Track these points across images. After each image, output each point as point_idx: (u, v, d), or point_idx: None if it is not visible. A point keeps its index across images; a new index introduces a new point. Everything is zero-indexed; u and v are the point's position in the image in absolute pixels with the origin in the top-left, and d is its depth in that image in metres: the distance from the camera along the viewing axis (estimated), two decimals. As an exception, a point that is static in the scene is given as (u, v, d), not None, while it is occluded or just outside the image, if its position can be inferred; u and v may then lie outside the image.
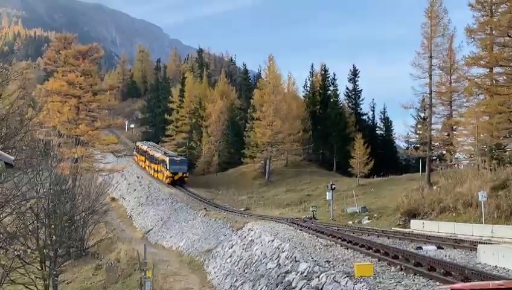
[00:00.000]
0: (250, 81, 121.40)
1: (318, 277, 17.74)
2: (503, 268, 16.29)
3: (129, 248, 44.24)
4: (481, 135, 45.91)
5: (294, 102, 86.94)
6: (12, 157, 11.37)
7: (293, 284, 19.64)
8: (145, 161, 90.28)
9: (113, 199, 74.55)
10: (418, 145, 62.77)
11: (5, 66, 23.29)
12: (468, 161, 53.85)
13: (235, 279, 29.17)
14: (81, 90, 70.24)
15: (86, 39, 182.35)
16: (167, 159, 78.01)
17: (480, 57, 45.83)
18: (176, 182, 77.13)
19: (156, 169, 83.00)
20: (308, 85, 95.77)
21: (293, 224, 37.85)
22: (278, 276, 22.31)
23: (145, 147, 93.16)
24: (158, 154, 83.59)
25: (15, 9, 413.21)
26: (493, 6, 45.97)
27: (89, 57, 75.44)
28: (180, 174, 76.94)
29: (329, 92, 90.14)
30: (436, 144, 59.07)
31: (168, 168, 76.92)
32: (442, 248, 22.41)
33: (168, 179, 77.03)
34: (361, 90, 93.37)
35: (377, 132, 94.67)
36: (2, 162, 10.67)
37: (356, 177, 66.54)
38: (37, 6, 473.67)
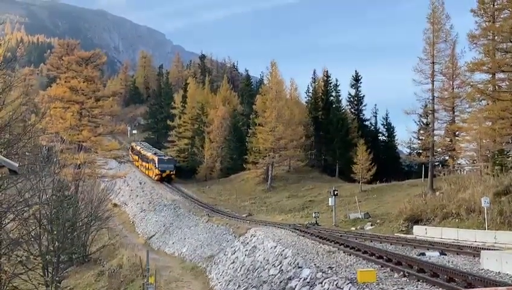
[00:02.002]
0: (252, 87, 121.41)
1: (321, 283, 17.73)
2: (507, 274, 16.24)
3: (131, 254, 44.28)
4: (484, 141, 45.82)
5: (297, 108, 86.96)
6: (17, 164, 11.39)
7: (296, 291, 19.62)
8: (138, 160, 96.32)
9: (115, 205, 74.54)
10: (421, 151, 62.61)
11: (8, 72, 23.40)
12: (470, 167, 53.72)
13: (237, 285, 29.15)
14: (83, 97, 70.36)
15: (88, 45, 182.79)
16: (156, 158, 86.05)
17: (482, 63, 45.83)
18: (164, 179, 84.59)
19: (146, 167, 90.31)
20: (311, 91, 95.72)
21: (295, 230, 37.85)
22: (280, 282, 22.30)
23: (138, 147, 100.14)
24: (149, 154, 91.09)
25: (18, 16, 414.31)
26: (495, 12, 46.00)
27: (91, 63, 75.62)
28: (167, 172, 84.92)
29: (332, 97, 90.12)
30: (438, 149, 58.96)
31: (157, 166, 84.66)
32: (445, 254, 22.37)
33: (156, 177, 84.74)
34: (364, 96, 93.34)
35: (379, 137, 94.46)
36: (6, 169, 10.70)
37: (359, 183, 66.42)
38: (40, 13, 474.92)
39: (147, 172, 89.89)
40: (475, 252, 21.57)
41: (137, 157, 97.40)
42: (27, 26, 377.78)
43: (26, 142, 23.27)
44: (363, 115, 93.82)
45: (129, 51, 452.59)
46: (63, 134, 64.16)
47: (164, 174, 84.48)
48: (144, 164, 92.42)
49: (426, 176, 58.26)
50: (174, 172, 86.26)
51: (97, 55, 78.85)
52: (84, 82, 70.46)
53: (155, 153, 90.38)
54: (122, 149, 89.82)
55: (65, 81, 72.25)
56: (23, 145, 22.89)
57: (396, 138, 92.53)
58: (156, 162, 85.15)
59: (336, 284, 16.55)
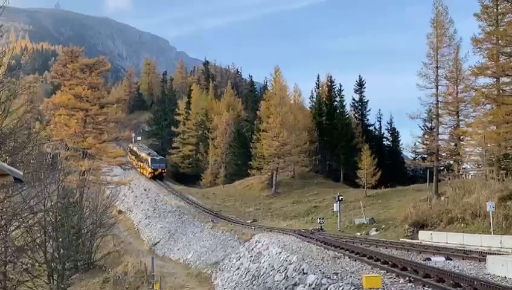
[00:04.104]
0: (256, 92, 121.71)
1: (326, 289, 17.67)
2: (513, 279, 16.16)
3: (136, 261, 44.18)
4: (488, 145, 45.70)
5: (301, 113, 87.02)
6: (21, 172, 11.41)
7: (301, 297, 19.56)
8: (135, 160, 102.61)
9: (120, 212, 74.50)
10: (425, 156, 62.44)
11: (13, 80, 23.41)
12: (475, 171, 53.57)
13: (242, 291, 29.09)
14: (88, 104, 70.40)
15: (92, 52, 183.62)
16: (149, 158, 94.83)
17: (486, 67, 45.77)
18: (156, 177, 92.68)
19: (141, 166, 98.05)
20: (315, 96, 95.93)
21: (300, 236, 37.73)
22: (285, 288, 22.26)
23: (135, 148, 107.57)
24: (143, 154, 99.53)
25: (22, 24, 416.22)
26: (499, 16, 45.88)
27: (95, 70, 75.64)
28: (159, 170, 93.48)
29: (336, 102, 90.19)
30: (443, 154, 58.74)
31: (149, 165, 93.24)
32: (451, 259, 22.27)
33: (150, 174, 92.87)
34: (368, 100, 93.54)
35: (383, 142, 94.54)
36: (11, 177, 10.71)
37: (363, 188, 66.33)
38: (44, 20, 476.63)
39: (141, 171, 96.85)
40: (481, 257, 21.46)
41: (134, 157, 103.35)
42: (31, 34, 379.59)
43: (31, 149, 23.30)
44: (367, 120, 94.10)
45: (133, 58, 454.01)
46: (67, 141, 64.20)
47: (156, 172, 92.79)
48: (139, 163, 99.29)
49: (431, 180, 58.04)
50: (165, 170, 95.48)
51: (101, 62, 78.88)
52: (88, 89, 70.47)
53: (149, 154, 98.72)
54: (126, 156, 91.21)
55: (69, 89, 72.25)
56: (28, 153, 22.92)
57: (400, 142, 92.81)
58: (149, 161, 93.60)
59: (341, 290, 16.50)
